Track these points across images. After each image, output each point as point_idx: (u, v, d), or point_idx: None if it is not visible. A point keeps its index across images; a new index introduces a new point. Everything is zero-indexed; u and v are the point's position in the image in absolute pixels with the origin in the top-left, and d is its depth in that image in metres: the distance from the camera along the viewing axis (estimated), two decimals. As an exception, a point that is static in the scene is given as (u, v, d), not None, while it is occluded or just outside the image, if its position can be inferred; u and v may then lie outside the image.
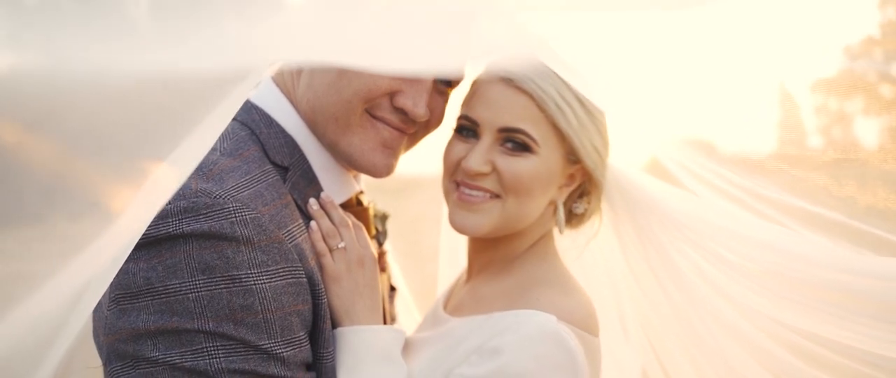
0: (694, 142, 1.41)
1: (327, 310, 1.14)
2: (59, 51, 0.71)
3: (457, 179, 1.25)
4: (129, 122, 0.81)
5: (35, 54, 0.75)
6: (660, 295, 1.33)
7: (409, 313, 1.74)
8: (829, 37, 1.33)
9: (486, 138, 1.21)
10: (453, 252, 1.69)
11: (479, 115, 1.21)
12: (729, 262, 1.22)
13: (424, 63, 1.02)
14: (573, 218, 1.34)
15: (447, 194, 1.29)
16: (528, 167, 1.19)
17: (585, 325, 1.17)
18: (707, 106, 1.42)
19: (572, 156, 1.23)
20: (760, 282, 1.20)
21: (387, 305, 1.40)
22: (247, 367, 0.99)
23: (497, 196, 1.22)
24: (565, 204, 1.31)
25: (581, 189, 1.31)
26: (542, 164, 1.20)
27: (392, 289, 1.54)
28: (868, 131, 1.36)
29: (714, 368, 1.31)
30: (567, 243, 1.38)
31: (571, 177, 1.28)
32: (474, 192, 1.22)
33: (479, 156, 1.20)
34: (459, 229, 1.25)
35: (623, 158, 1.38)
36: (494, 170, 1.20)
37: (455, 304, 1.36)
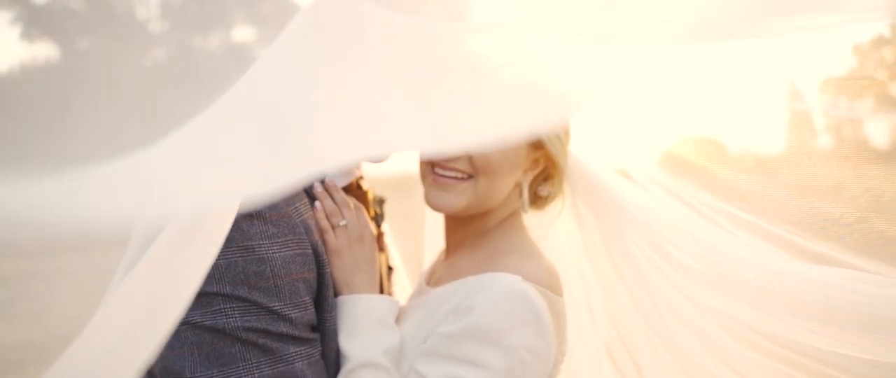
0: (703, 141, 1.46)
1: (330, 280, 1.22)
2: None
3: (432, 162, 1.35)
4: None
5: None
6: (616, 279, 1.43)
7: (405, 294, 1.83)
8: (838, 36, 1.35)
9: None
10: (437, 247, 1.79)
11: None
12: (677, 260, 1.31)
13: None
14: (538, 199, 1.45)
15: (423, 177, 1.38)
16: (495, 151, 1.29)
17: (549, 284, 1.25)
18: (714, 105, 1.45)
19: (536, 142, 1.34)
20: (706, 278, 1.30)
21: (385, 283, 1.50)
22: (259, 326, 1.08)
23: (470, 177, 1.32)
24: (531, 186, 1.41)
25: (546, 173, 1.42)
26: (509, 148, 1.30)
27: (390, 269, 1.63)
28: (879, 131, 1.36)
29: (670, 352, 1.41)
30: (535, 222, 1.47)
31: (536, 161, 1.38)
32: (448, 173, 1.32)
33: None
34: (435, 207, 1.35)
35: (618, 163, 1.46)
36: (465, 152, 1.30)
37: (436, 277, 1.47)
